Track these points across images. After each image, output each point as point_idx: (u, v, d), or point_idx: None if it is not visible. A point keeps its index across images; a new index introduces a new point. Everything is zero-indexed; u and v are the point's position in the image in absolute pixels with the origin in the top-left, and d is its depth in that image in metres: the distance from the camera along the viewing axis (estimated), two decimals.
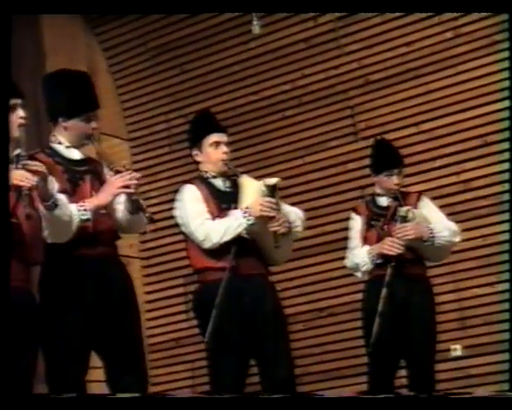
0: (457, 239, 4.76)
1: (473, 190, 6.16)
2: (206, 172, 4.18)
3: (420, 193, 4.90)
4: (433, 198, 6.22)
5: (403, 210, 4.56)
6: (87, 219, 3.60)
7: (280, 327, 4.13)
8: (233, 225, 4.00)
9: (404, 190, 4.87)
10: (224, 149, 4.17)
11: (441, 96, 6.25)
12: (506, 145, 5.95)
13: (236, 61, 7.05)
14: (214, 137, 4.17)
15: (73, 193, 3.67)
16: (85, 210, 3.59)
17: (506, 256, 5.84)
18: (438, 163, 6.30)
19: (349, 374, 6.07)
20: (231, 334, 3.97)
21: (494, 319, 5.94)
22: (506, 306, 5.86)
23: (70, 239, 3.59)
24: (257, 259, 4.11)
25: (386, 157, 4.80)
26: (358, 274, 4.70)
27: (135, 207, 3.73)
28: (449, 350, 6.04)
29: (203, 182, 4.17)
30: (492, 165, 6.05)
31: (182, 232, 4.22)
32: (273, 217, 4.02)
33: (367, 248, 4.60)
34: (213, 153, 4.15)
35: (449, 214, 6.15)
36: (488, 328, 5.95)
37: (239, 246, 4.01)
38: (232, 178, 4.23)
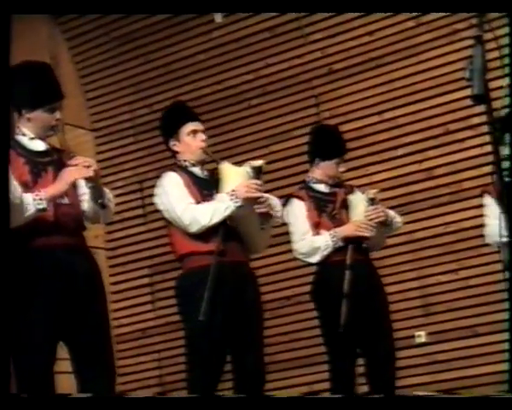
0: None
1: (435, 178, 6.21)
2: (185, 160, 4.18)
3: (351, 185, 4.90)
4: (396, 186, 6.35)
5: (371, 192, 4.59)
6: (43, 209, 3.57)
7: (258, 315, 4.14)
8: (220, 207, 3.99)
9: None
10: (203, 136, 4.19)
11: (403, 84, 6.30)
12: (468, 133, 6.02)
13: (200, 50, 7.05)
14: (191, 126, 4.18)
15: (35, 184, 3.65)
16: (41, 199, 3.55)
17: (468, 244, 5.91)
18: (400, 152, 6.35)
19: (316, 362, 6.10)
20: (214, 321, 3.93)
21: (457, 306, 6.01)
22: (468, 292, 5.94)
23: (30, 229, 3.57)
24: (240, 246, 4.12)
25: (337, 144, 4.77)
26: (314, 259, 4.63)
27: (97, 195, 3.72)
28: (413, 337, 6.10)
29: (182, 170, 4.17)
30: (454, 153, 6.11)
31: (164, 219, 4.20)
32: (259, 199, 4.05)
33: (328, 232, 4.57)
34: (192, 141, 4.16)
35: (412, 202, 6.28)
36: (451, 314, 6.01)
37: (225, 231, 4.01)
38: (209, 167, 4.25)
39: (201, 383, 3.99)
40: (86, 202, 3.78)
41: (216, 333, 3.96)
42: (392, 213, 4.72)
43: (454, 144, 6.12)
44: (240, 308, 4.01)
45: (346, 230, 4.56)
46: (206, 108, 6.97)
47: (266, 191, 6.36)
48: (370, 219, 4.52)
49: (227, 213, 3.99)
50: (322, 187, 4.73)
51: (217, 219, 3.98)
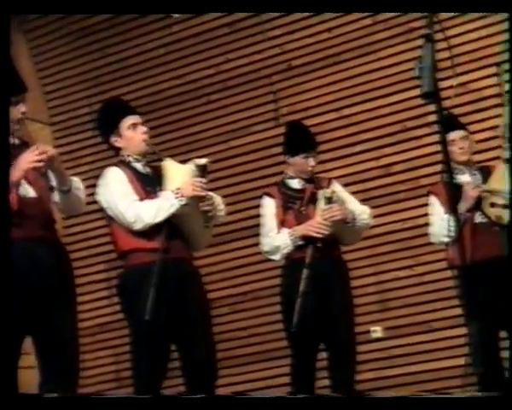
0: (371, 222, 4.84)
1: (392, 174, 6.28)
2: (129, 155, 4.17)
3: (331, 178, 4.92)
4: (354, 182, 6.39)
5: (328, 191, 4.58)
6: None
7: (203, 311, 4.15)
8: (165, 205, 3.99)
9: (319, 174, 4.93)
10: (143, 128, 4.18)
11: (361, 81, 6.36)
12: (425, 130, 6.09)
13: (160, 44, 7.05)
14: (130, 120, 4.17)
15: None
16: None
17: (424, 240, 5.97)
18: (358, 148, 6.41)
19: (275, 356, 6.15)
20: (159, 317, 3.94)
21: (413, 301, 6.08)
22: (424, 288, 6.01)
23: None
24: (183, 243, 4.12)
25: (303, 139, 4.80)
26: (276, 257, 4.67)
27: (59, 182, 3.70)
28: (369, 332, 6.16)
29: (126, 166, 4.16)
30: (411, 150, 6.18)
31: (106, 216, 4.18)
32: (204, 197, 4.05)
33: (288, 230, 4.60)
34: (133, 134, 4.15)
35: (369, 199, 6.31)
36: (407, 310, 6.09)
37: (168, 228, 4.01)
38: (152, 163, 4.25)
39: (146, 379, 4.01)
40: (55, 193, 3.77)
41: (160, 330, 3.97)
42: (359, 210, 4.72)
43: (411, 141, 6.19)
44: (184, 304, 4.03)
45: (302, 229, 4.57)
46: (165, 102, 6.99)
47: (225, 186, 6.47)
48: (325, 219, 4.52)
49: (171, 210, 3.99)
50: (295, 183, 4.75)
51: (161, 216, 3.98)
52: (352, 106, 6.43)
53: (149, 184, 4.12)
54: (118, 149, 4.23)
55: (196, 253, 4.34)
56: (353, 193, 6.25)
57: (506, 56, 5.59)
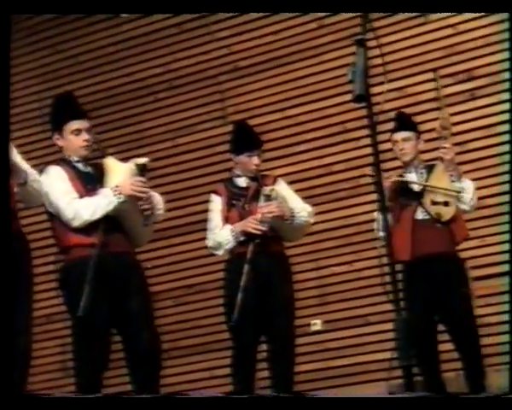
0: (312, 220, 4.96)
1: (334, 173, 6.47)
2: (70, 155, 4.29)
3: (276, 176, 5.02)
4: (297, 181, 6.57)
5: (267, 189, 4.69)
6: None
7: (145, 303, 4.25)
8: (103, 202, 4.10)
9: (264, 172, 5.04)
10: (86, 136, 4.26)
11: (305, 83, 6.55)
12: (364, 132, 6.28)
13: (110, 42, 7.16)
14: (75, 125, 4.26)
15: None
16: None
17: (363, 237, 6.16)
18: (301, 147, 6.59)
19: (217, 348, 6.25)
20: (99, 310, 4.05)
21: (351, 296, 6.28)
22: (362, 283, 6.20)
23: None
24: (124, 237, 4.23)
25: (247, 138, 4.92)
26: (219, 252, 4.79)
27: (16, 175, 3.74)
28: (309, 325, 6.34)
29: (67, 164, 4.26)
30: (351, 150, 6.37)
31: (47, 212, 4.28)
32: (142, 196, 4.17)
33: (230, 226, 4.71)
34: (75, 140, 4.24)
35: (312, 196, 6.51)
36: (346, 304, 6.28)
37: (107, 224, 4.12)
38: (94, 162, 4.35)
39: (86, 371, 4.12)
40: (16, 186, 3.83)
41: (100, 323, 4.07)
42: (298, 207, 4.82)
43: (351, 142, 6.38)
44: (126, 297, 4.14)
45: (241, 225, 4.68)
46: (113, 99, 7.09)
47: (172, 183, 6.61)
48: (262, 216, 4.62)
49: (109, 208, 4.11)
50: (241, 181, 4.86)
51: (99, 213, 4.10)
52: (295, 107, 6.61)
53: (90, 181, 4.21)
54: (60, 147, 4.33)
55: (138, 248, 4.44)
56: (297, 191, 6.49)
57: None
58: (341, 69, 6.37)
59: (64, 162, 4.27)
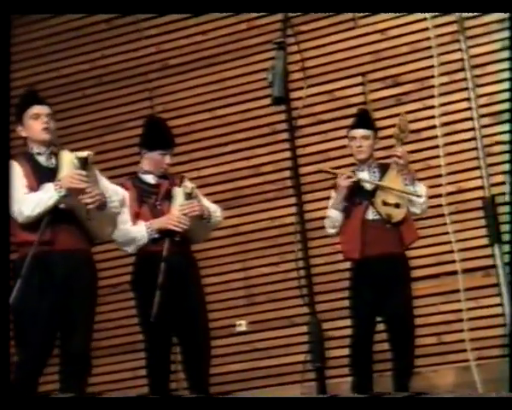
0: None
1: (262, 174, 6.49)
2: (32, 148, 4.25)
3: (183, 175, 4.96)
4: (226, 181, 6.58)
5: (188, 187, 4.64)
6: None
7: (87, 303, 4.24)
8: (44, 197, 4.05)
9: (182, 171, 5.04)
10: (44, 119, 4.25)
11: (234, 84, 6.56)
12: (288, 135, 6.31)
13: (38, 36, 7.05)
14: (34, 109, 4.25)
15: None
16: None
17: (290, 238, 6.18)
18: (230, 148, 6.59)
19: (140, 348, 6.19)
20: (39, 306, 4.01)
21: (278, 297, 6.30)
22: (288, 284, 6.21)
23: None
24: (73, 234, 4.18)
25: (163, 136, 4.85)
26: (130, 249, 4.69)
27: None
28: (235, 326, 6.35)
29: (26, 158, 4.22)
30: (280, 152, 6.39)
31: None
32: (83, 189, 4.09)
33: (145, 223, 4.63)
34: (33, 124, 4.23)
35: (240, 197, 6.53)
36: (273, 305, 6.31)
37: (56, 220, 4.07)
38: (55, 154, 4.29)
39: (27, 367, 4.05)
40: None
41: (42, 320, 4.02)
42: (213, 207, 4.81)
43: (279, 144, 6.40)
44: (70, 295, 4.09)
45: (161, 222, 4.61)
46: (41, 94, 6.96)
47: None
48: (184, 214, 4.59)
49: (50, 203, 4.06)
50: (149, 178, 4.78)
51: (40, 209, 4.05)
52: (224, 107, 6.62)
53: (48, 176, 4.16)
54: (24, 139, 4.29)
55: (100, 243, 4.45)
56: (224, 191, 6.51)
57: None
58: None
59: (24, 156, 4.23)
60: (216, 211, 4.82)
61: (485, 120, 5.98)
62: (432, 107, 5.98)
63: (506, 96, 5.88)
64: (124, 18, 6.79)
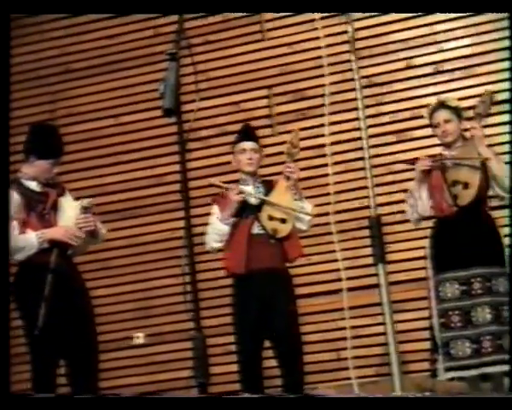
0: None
1: (165, 184, 6.39)
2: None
3: (64, 186, 4.81)
4: (127, 190, 6.46)
5: (85, 201, 4.57)
6: None
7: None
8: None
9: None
10: None
11: (140, 91, 6.44)
12: (198, 144, 6.26)
13: None
14: None
15: None
16: None
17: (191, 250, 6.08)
18: (133, 156, 6.49)
19: None
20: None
21: (177, 309, 6.21)
22: (187, 297, 6.13)
23: None
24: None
25: (54, 144, 4.68)
26: (17, 257, 4.53)
27: None
28: (132, 338, 6.24)
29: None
30: (183, 162, 6.29)
31: None
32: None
33: (35, 232, 4.51)
34: None
35: (141, 206, 6.42)
36: (171, 317, 6.20)
37: None
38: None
39: None
40: None
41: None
42: (99, 224, 4.72)
43: (185, 154, 6.29)
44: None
45: (55, 233, 4.51)
46: None
47: None
48: (80, 228, 4.51)
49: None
50: (33, 185, 4.62)
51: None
52: (129, 114, 6.51)
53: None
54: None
55: None
56: (125, 200, 6.40)
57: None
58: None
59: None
60: (102, 228, 4.74)
61: (390, 138, 6.05)
62: (323, 125, 5.99)
63: (408, 115, 6.01)
64: (27, 18, 6.62)
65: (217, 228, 4.77)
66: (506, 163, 4.71)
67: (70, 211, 4.57)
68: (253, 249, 4.70)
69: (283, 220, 4.76)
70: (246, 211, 4.79)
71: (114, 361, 6.18)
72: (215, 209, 4.85)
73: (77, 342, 4.52)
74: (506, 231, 4.97)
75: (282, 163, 4.84)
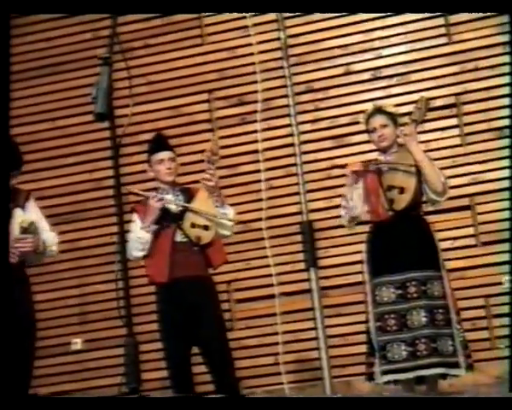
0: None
1: (104, 188, 6.33)
2: None
3: (29, 192, 4.74)
4: (66, 194, 6.40)
5: (25, 221, 4.43)
6: None
7: None
8: None
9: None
10: None
11: (78, 94, 6.38)
12: (137, 148, 6.22)
13: None
14: None
15: None
16: None
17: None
18: (71, 160, 6.43)
19: None
20: None
21: (112, 315, 6.14)
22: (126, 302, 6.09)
23: None
24: None
25: (15, 156, 4.65)
26: None
27: None
28: (70, 344, 6.18)
29: None
30: (123, 166, 6.23)
31: None
32: None
33: None
34: None
35: (79, 211, 6.36)
36: (107, 323, 6.13)
37: None
38: None
39: None
40: None
41: None
42: (50, 240, 4.59)
43: (123, 158, 6.24)
44: None
45: None
46: None
47: None
48: (16, 247, 4.35)
49: None
50: None
51: None
52: (67, 117, 6.46)
53: None
54: None
55: None
56: (64, 204, 6.32)
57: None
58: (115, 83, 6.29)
59: None
60: (52, 245, 4.60)
61: (327, 143, 6.09)
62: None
63: (346, 120, 6.05)
64: None
65: (138, 236, 4.72)
66: (439, 169, 4.76)
67: (15, 226, 4.44)
68: (176, 257, 4.68)
69: (206, 227, 4.74)
70: (167, 219, 4.76)
71: (52, 367, 6.13)
72: (135, 217, 4.80)
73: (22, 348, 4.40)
74: (440, 235, 5.02)
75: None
